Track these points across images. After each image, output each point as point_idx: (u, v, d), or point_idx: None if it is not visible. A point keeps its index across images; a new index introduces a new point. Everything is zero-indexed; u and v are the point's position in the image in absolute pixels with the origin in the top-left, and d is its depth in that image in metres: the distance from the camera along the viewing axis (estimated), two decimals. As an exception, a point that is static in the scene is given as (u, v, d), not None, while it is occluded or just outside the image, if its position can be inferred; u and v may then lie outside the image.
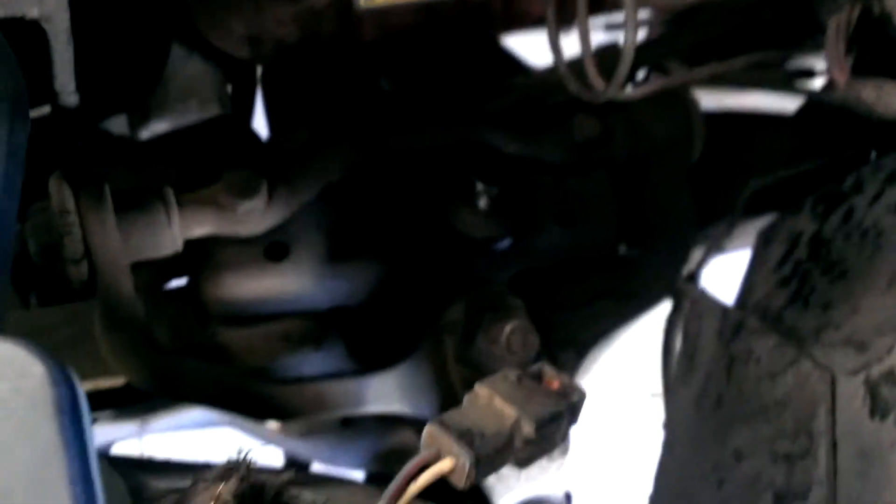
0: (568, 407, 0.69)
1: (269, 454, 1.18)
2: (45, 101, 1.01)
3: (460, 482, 0.64)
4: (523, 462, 0.67)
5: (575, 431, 0.93)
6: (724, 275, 1.23)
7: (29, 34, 0.94)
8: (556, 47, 1.03)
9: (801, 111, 1.26)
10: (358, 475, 1.19)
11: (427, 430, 0.65)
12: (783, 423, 0.85)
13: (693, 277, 1.20)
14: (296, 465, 1.20)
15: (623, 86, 1.01)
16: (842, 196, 1.06)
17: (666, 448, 1.05)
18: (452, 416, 0.66)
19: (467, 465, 0.63)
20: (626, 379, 1.85)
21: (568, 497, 1.16)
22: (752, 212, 1.22)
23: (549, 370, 0.72)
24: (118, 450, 1.16)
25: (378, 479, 1.21)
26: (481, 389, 0.68)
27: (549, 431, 0.67)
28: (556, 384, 0.71)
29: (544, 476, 1.02)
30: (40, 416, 0.44)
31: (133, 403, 1.03)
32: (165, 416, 1.06)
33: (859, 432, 0.76)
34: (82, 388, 0.95)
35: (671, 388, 1.13)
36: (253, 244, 1.02)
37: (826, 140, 1.23)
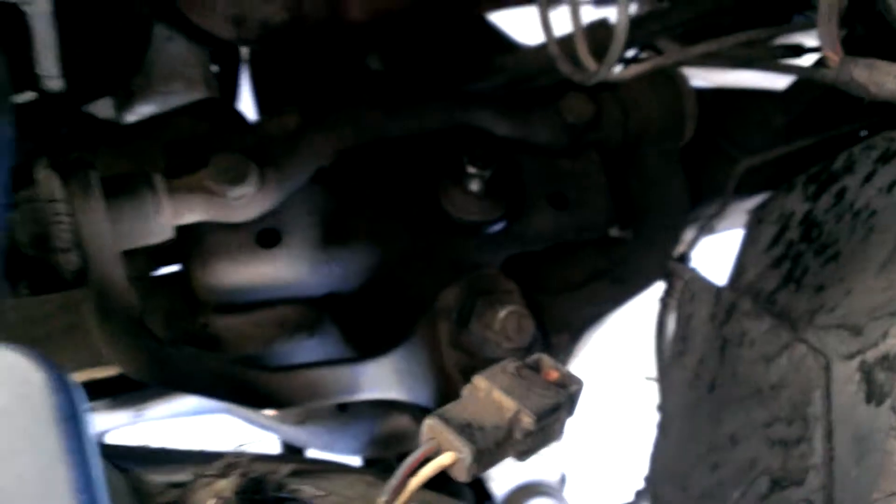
0: (567, 398, 0.69)
1: (266, 441, 1.18)
2: (28, 86, 1.00)
3: (462, 476, 0.64)
4: (523, 454, 0.67)
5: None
6: (715, 255, 1.23)
7: (10, 19, 0.92)
8: (546, 26, 1.02)
9: (793, 87, 1.25)
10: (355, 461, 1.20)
11: (427, 423, 0.65)
12: (778, 408, 0.85)
13: (684, 258, 1.21)
14: (292, 451, 1.20)
15: (614, 66, 1.00)
16: (833, 176, 1.05)
17: (660, 430, 1.06)
18: (452, 409, 0.66)
19: (468, 460, 0.63)
20: (619, 361, 1.86)
21: (563, 479, 1.17)
22: (744, 191, 1.22)
23: (547, 361, 0.71)
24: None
25: (374, 464, 1.21)
26: (480, 382, 0.68)
27: (548, 423, 0.67)
28: (554, 375, 0.70)
29: (539, 460, 1.02)
30: (42, 425, 0.43)
31: (128, 392, 1.02)
32: (161, 404, 1.05)
33: (855, 418, 0.76)
34: (76, 378, 0.94)
35: (665, 370, 1.13)
36: (244, 230, 1.01)
37: (819, 117, 1.23)
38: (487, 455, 0.64)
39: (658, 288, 1.18)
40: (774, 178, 1.19)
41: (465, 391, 0.68)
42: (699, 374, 1.01)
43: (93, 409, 0.99)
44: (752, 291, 1.03)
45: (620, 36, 0.92)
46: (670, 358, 1.11)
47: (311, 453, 1.19)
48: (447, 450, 0.63)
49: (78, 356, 0.95)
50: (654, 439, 1.05)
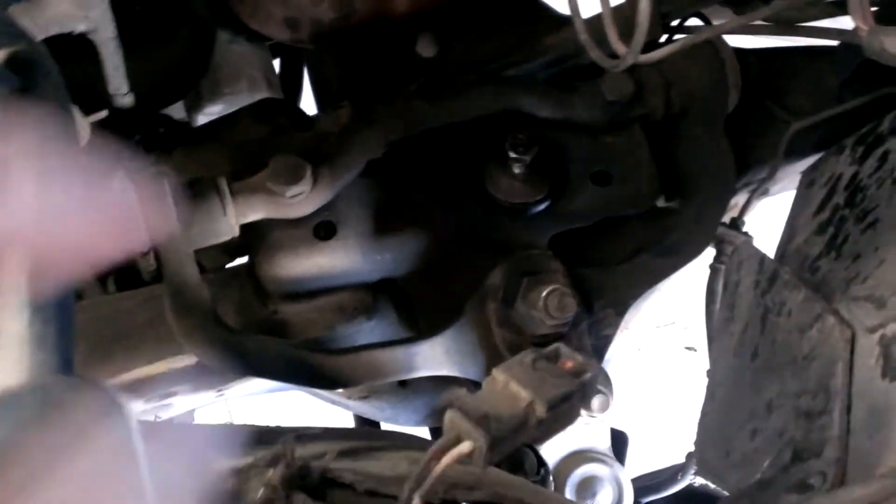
0: (579, 386, 0.74)
1: (338, 414, 1.27)
2: (101, 105, 1.09)
3: (478, 464, 0.70)
4: (538, 439, 0.73)
5: (617, 384, 0.99)
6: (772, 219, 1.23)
7: (78, 45, 1.01)
8: (575, 10, 1.04)
9: (844, 45, 1.23)
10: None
11: (448, 415, 0.71)
12: (807, 379, 0.87)
13: (736, 223, 1.22)
14: (364, 423, 1.29)
15: (652, 43, 1.02)
16: (880, 138, 1.04)
17: (708, 394, 1.08)
18: (471, 401, 0.72)
19: (484, 448, 0.69)
20: (661, 333, 1.87)
21: (626, 440, 1.21)
22: (796, 154, 1.22)
23: (563, 350, 0.76)
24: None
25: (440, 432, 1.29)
26: (498, 374, 0.74)
27: (561, 410, 0.73)
28: (569, 364, 0.75)
29: (588, 428, 1.08)
30: (96, 447, 0.51)
31: (209, 375, 1.13)
32: (240, 384, 1.16)
33: (871, 391, 0.77)
34: (159, 368, 1.05)
35: (714, 336, 1.16)
36: (303, 225, 1.09)
37: (872, 75, 1.21)
38: (503, 443, 0.71)
39: (709, 254, 1.19)
40: (827, 139, 1.18)
41: (485, 384, 0.74)
42: (743, 341, 1.03)
43: (178, 393, 1.11)
44: (798, 257, 1.03)
45: (643, 22, 0.93)
46: (718, 324, 1.13)
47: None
48: (465, 439, 0.70)
49: (160, 346, 1.06)
50: (703, 404, 1.08)
